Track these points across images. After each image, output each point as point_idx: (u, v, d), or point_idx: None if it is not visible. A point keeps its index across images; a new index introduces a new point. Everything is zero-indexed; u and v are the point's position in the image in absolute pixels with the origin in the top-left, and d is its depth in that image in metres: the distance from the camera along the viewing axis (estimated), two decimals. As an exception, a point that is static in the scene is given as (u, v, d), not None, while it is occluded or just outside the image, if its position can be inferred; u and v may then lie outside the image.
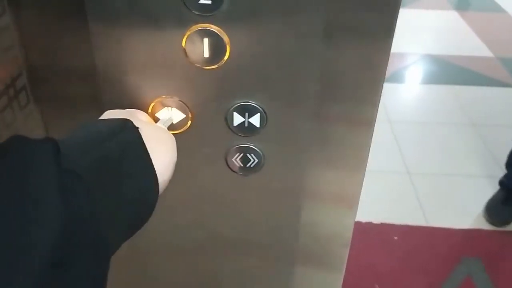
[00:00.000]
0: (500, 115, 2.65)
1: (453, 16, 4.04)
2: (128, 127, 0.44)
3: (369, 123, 0.54)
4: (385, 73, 0.51)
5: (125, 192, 0.40)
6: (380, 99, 0.53)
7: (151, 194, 0.43)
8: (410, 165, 2.25)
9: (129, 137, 0.43)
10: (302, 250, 0.65)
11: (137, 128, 0.45)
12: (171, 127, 0.56)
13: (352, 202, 0.60)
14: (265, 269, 0.68)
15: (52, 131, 0.59)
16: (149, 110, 0.55)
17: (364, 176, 0.58)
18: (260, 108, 0.54)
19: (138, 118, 0.50)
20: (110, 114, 0.50)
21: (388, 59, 0.49)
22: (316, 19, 0.48)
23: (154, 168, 0.43)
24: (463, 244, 1.86)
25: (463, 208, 2.03)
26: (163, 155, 0.46)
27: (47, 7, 0.51)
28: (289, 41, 0.50)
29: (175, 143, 0.50)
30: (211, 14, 0.48)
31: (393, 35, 0.48)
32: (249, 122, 0.55)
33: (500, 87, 2.98)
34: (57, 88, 0.56)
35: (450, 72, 3.17)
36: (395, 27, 0.47)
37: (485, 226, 1.93)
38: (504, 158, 2.00)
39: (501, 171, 2.04)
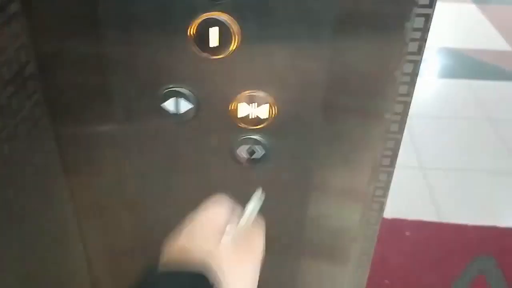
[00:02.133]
0: (518, 110, 2.60)
1: (472, 9, 3.96)
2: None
3: (380, 116, 0.53)
4: (400, 65, 0.49)
5: None
6: (397, 93, 0.51)
7: None
8: (424, 160, 2.21)
9: None
10: (309, 243, 0.64)
11: (213, 286, 0.39)
12: (177, 117, 0.55)
13: (360, 197, 0.59)
14: (272, 260, 0.67)
15: (59, 121, 0.59)
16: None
17: (376, 171, 0.57)
18: (268, 99, 0.53)
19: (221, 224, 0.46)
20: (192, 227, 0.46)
21: (405, 51, 0.48)
22: (329, 8, 0.47)
23: None
24: (476, 241, 1.83)
25: (477, 205, 1.99)
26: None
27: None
28: (301, 30, 0.48)
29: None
30: (221, 1, 0.47)
31: (407, 26, 0.46)
32: (255, 113, 0.53)
33: (518, 82, 2.91)
34: (66, 77, 0.56)
35: (467, 66, 3.11)
36: (410, 17, 0.46)
37: (500, 223, 1.90)
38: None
39: (517, 167, 2.00)
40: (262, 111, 0.53)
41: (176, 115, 0.54)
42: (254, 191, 0.60)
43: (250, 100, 0.53)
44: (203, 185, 0.61)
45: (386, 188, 0.58)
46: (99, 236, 0.67)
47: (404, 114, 0.53)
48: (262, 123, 0.54)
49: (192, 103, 0.54)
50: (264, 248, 0.45)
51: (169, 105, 0.55)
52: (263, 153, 0.57)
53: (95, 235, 0.67)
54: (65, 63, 0.55)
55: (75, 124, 0.59)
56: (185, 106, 0.54)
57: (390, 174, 0.57)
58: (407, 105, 0.52)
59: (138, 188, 0.61)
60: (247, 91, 0.53)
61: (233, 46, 0.49)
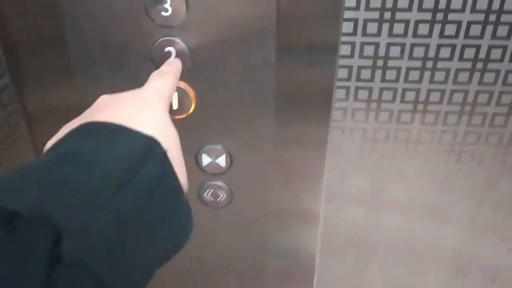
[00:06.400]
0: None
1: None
2: (155, 154, 0.31)
3: (321, 146, 0.58)
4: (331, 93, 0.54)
5: (150, 251, 0.30)
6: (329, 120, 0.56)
7: (183, 237, 0.34)
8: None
9: (156, 171, 0.31)
10: (274, 270, 0.70)
11: (166, 152, 0.32)
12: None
13: (314, 220, 0.64)
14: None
15: (35, 128, 0.61)
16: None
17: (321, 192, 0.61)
18: (225, 150, 0.58)
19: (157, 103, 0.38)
20: (111, 99, 0.38)
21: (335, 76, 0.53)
22: (267, 77, 0.52)
23: (187, 204, 0.33)
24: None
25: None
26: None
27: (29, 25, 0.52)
28: (246, 94, 0.54)
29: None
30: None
31: (338, 52, 0.52)
32: (216, 163, 0.59)
33: None
34: (40, 89, 0.57)
35: None
36: (339, 45, 0.51)
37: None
38: None
39: None
40: (222, 160, 0.59)
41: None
42: (219, 230, 0.66)
43: (210, 152, 0.58)
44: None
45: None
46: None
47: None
48: (223, 170, 0.60)
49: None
50: None
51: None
52: (225, 196, 0.62)
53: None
54: (39, 76, 0.56)
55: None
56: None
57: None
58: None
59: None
60: (207, 144, 0.58)
61: (190, 108, 0.55)
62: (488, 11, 0.49)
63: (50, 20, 0.51)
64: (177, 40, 0.50)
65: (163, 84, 0.41)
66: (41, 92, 0.56)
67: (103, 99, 0.38)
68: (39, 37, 0.53)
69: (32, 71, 0.55)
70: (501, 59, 0.52)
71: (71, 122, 0.35)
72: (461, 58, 0.52)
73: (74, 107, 0.56)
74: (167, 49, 0.50)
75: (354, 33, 0.51)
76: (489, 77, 0.53)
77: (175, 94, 0.53)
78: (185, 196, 0.33)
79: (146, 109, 0.36)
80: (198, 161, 0.58)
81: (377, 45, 0.52)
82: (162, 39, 0.50)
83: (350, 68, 0.54)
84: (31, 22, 0.52)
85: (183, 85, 0.53)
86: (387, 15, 0.50)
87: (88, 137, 0.31)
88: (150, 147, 0.31)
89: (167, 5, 0.47)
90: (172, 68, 0.45)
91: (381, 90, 0.55)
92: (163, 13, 0.48)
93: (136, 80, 0.53)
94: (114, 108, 0.35)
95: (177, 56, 0.50)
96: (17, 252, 0.23)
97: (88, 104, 0.56)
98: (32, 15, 0.51)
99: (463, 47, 0.51)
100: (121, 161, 0.29)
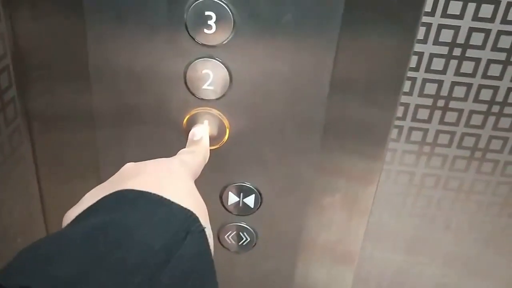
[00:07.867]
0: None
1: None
2: (193, 231, 0.30)
3: (364, 210, 0.51)
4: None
5: None
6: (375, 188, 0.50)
7: None
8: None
9: (194, 249, 0.29)
10: None
11: (204, 229, 0.31)
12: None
13: (346, 272, 0.57)
14: None
15: (38, 149, 0.54)
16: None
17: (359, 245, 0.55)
18: (256, 190, 0.51)
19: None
20: (139, 167, 0.35)
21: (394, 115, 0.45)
22: (316, 112, 0.46)
23: (217, 285, 0.31)
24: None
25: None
26: None
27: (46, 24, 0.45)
28: (287, 129, 0.47)
29: None
30: (214, 99, 0.46)
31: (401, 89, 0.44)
32: (243, 202, 0.52)
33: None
34: (48, 105, 0.51)
35: None
36: (401, 89, 0.44)
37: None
38: None
39: None
40: (250, 201, 0.52)
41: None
42: (240, 276, 0.58)
43: (239, 190, 0.51)
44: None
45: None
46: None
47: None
48: (250, 211, 0.52)
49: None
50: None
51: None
52: (249, 240, 0.55)
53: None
54: (48, 90, 0.50)
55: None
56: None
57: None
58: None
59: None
60: (235, 181, 0.51)
61: (223, 139, 0.48)
62: None
63: (71, 23, 0.44)
64: (218, 61, 0.43)
65: (192, 159, 0.40)
66: (50, 107, 0.49)
67: (130, 166, 0.36)
68: (59, 45, 0.46)
69: (41, 83, 0.49)
70: None
71: (95, 189, 0.33)
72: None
73: (86, 129, 0.50)
74: (204, 71, 0.43)
75: (417, 68, 0.46)
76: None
77: (206, 123, 0.47)
78: (216, 276, 0.32)
79: (178, 179, 0.35)
80: (222, 199, 0.51)
81: (440, 83, 0.47)
82: (201, 59, 0.43)
83: (406, 106, 0.49)
84: (51, 28, 0.45)
85: (216, 112, 0.47)
86: (457, 51, 0.45)
87: (126, 207, 0.29)
88: (190, 222, 0.30)
89: (211, 22, 0.41)
90: (201, 149, 0.43)
91: (438, 132, 0.50)
92: (206, 31, 0.41)
93: (164, 102, 0.47)
94: (145, 176, 0.33)
95: (214, 79, 0.44)
96: None
97: (102, 122, 0.49)
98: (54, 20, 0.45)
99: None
100: (161, 237, 0.28)
